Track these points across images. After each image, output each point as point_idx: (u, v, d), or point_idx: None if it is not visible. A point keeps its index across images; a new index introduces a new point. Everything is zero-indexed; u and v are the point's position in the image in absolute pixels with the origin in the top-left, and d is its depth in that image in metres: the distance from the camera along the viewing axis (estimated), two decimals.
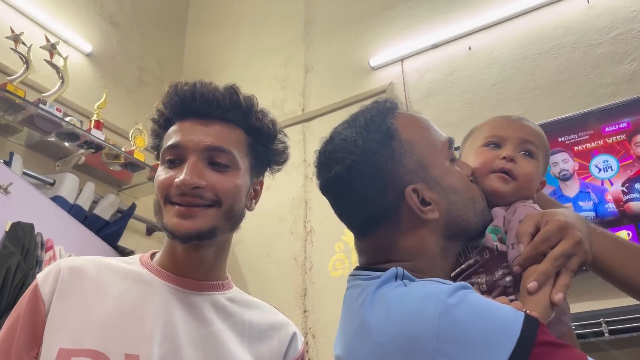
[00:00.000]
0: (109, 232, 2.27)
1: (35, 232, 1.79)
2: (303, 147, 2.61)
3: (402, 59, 2.49)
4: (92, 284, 0.84)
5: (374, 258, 0.79)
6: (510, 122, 0.91)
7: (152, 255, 0.94)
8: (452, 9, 2.42)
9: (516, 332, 0.58)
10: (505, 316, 0.60)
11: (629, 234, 1.64)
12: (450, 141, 0.81)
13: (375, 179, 0.75)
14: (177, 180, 0.84)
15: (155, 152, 0.96)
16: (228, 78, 3.06)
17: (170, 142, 0.88)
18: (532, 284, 0.68)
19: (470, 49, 2.33)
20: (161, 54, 3.08)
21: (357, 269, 0.80)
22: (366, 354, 0.66)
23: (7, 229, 1.71)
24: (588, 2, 2.13)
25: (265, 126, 0.94)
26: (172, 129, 0.91)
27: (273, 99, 2.83)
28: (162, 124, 0.93)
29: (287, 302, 2.37)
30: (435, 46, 2.42)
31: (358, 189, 0.76)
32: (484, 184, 0.85)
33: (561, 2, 2.19)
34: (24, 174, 2.04)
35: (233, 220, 0.89)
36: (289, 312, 2.34)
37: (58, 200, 2.08)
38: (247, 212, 0.97)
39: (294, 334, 0.96)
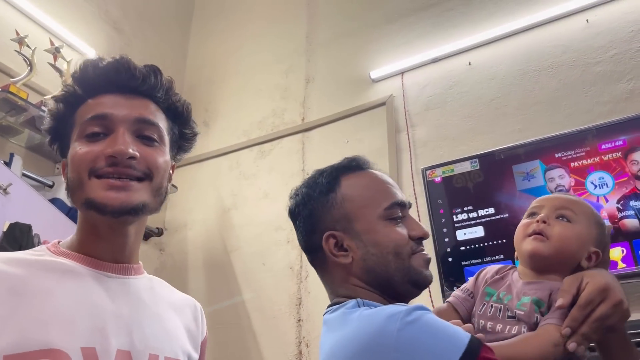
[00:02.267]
0: None
1: (33, 234, 1.80)
2: (302, 156, 2.63)
3: (402, 72, 2.51)
4: (9, 283, 0.73)
5: (328, 290, 0.93)
6: (551, 195, 1.03)
7: (58, 243, 0.87)
8: (453, 25, 2.45)
9: (462, 347, 0.69)
10: (455, 333, 0.72)
11: (623, 251, 1.65)
12: (394, 204, 0.90)
13: (308, 220, 0.93)
14: (110, 149, 0.80)
15: (49, 138, 0.90)
16: (230, 86, 3.09)
17: (93, 114, 0.83)
18: (571, 345, 0.82)
19: (470, 64, 2.36)
20: (164, 61, 3.10)
21: (328, 306, 0.91)
22: None
23: (5, 229, 1.71)
24: (587, 21, 2.15)
25: (183, 108, 0.94)
26: (88, 105, 0.85)
27: (273, 108, 2.85)
28: (70, 102, 0.87)
29: (282, 310, 2.37)
30: (435, 60, 2.44)
31: (300, 225, 0.95)
32: (521, 249, 0.97)
33: (560, 21, 2.21)
34: (24, 175, 2.05)
35: (159, 198, 0.86)
36: (284, 320, 2.35)
37: (56, 202, 2.09)
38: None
39: (202, 310, 1.00)
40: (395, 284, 0.87)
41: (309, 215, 0.92)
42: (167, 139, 0.90)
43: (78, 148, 0.82)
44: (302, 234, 0.94)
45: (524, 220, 1.00)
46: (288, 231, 2.48)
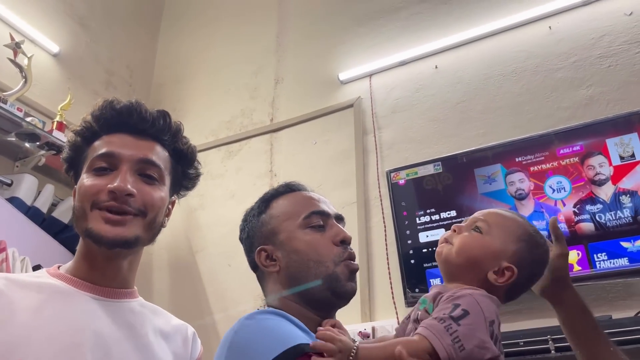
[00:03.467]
0: (67, 235, 2.22)
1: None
2: (270, 157, 2.62)
3: (370, 75, 2.52)
4: (2, 301, 0.82)
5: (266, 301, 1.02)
6: (487, 210, 1.01)
7: (58, 268, 0.95)
8: (420, 29, 2.47)
9: (281, 349, 0.75)
10: (283, 337, 0.78)
11: (578, 254, 1.68)
12: (312, 213, 0.99)
13: (247, 241, 1.05)
14: (111, 185, 0.87)
15: (66, 165, 1.00)
16: (198, 85, 3.06)
17: (102, 151, 0.92)
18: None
19: (436, 67, 2.38)
20: (132, 59, 3.06)
21: None
22: None
23: None
24: (550, 28, 2.20)
25: (188, 150, 1.03)
26: (102, 141, 0.94)
27: (242, 108, 2.84)
28: (86, 137, 0.96)
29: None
30: (403, 63, 2.46)
31: (243, 246, 1.07)
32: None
33: (524, 27, 2.25)
34: None
35: (153, 232, 0.95)
36: None
37: (15, 201, 2.04)
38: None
39: (194, 334, 1.06)
40: (315, 291, 0.92)
41: (247, 237, 1.04)
42: (168, 178, 0.98)
43: (85, 180, 0.91)
44: (245, 254, 1.06)
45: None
46: None
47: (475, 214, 0.98)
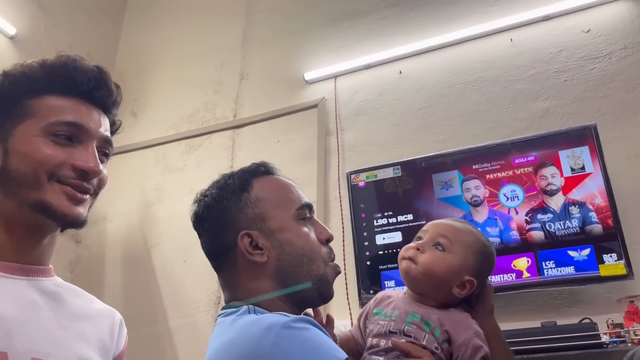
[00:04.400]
0: None
1: None
2: (231, 153, 2.60)
3: (335, 76, 2.53)
4: None
5: (228, 295, 0.90)
6: (438, 221, 1.09)
7: None
8: (387, 33, 2.49)
9: None
10: (331, 352, 0.72)
11: (528, 261, 1.73)
12: (304, 205, 0.92)
13: (220, 219, 0.90)
14: (83, 164, 0.81)
15: None
16: (161, 77, 3.01)
17: (70, 119, 0.83)
18: None
19: (400, 72, 2.41)
20: (93, 45, 2.97)
21: (222, 308, 0.88)
22: None
23: None
24: (511, 40, 2.25)
25: (117, 129, 0.95)
26: (60, 102, 0.84)
27: (205, 102, 2.80)
28: (26, 85, 0.84)
29: (200, 309, 2.33)
30: (368, 67, 2.48)
31: (207, 227, 0.91)
32: (400, 267, 1.04)
33: (487, 38, 2.30)
34: None
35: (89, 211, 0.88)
36: (201, 319, 2.31)
37: None
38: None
39: (121, 321, 0.97)
40: (305, 290, 0.86)
41: (220, 217, 0.90)
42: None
43: (42, 145, 0.80)
44: (210, 237, 0.91)
45: (409, 244, 1.07)
46: None
47: (434, 229, 1.05)
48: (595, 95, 2.03)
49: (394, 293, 1.08)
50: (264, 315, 0.78)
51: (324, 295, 0.89)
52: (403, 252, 1.05)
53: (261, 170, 0.96)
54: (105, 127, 0.88)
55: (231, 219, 0.89)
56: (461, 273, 0.99)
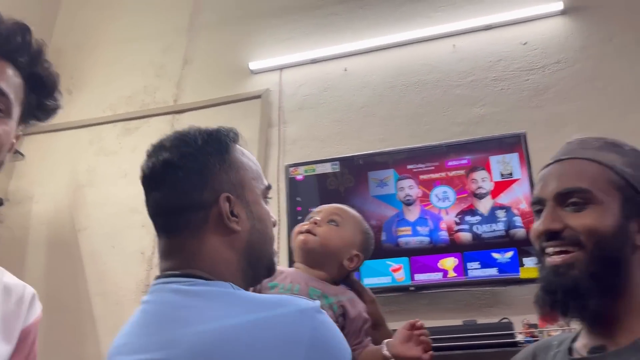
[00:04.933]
0: None
1: None
2: None
3: (281, 68, 2.51)
4: None
5: (176, 263, 0.78)
6: (329, 204, 1.25)
7: None
8: (335, 30, 2.50)
9: (349, 356, 0.71)
10: (345, 342, 0.73)
11: (455, 261, 1.78)
12: (268, 187, 0.88)
13: (200, 173, 0.80)
14: None
15: None
16: (101, 56, 2.89)
17: None
18: None
19: (345, 70, 2.42)
20: (28, 18, 2.81)
21: (167, 275, 0.78)
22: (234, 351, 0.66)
23: None
24: (454, 46, 2.31)
25: (49, 77, 0.85)
26: None
27: (145, 85, 2.72)
28: None
29: (127, 297, 2.26)
30: (314, 61, 2.48)
31: (181, 177, 0.79)
32: (294, 244, 1.18)
33: (432, 42, 2.35)
34: None
35: None
36: (128, 306, 2.24)
37: None
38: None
39: (34, 295, 0.91)
40: (261, 267, 0.84)
41: (202, 170, 0.80)
42: (16, 110, 0.81)
43: None
44: (179, 190, 0.80)
45: (302, 223, 1.20)
46: (144, 215, 2.36)
47: (327, 209, 1.21)
48: (528, 105, 2.11)
49: (285, 268, 1.18)
50: (277, 296, 0.75)
51: (271, 273, 0.87)
52: (298, 228, 1.19)
53: (235, 137, 0.89)
54: (5, 79, 0.79)
55: (214, 176, 0.80)
56: (351, 247, 1.16)
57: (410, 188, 1.90)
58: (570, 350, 0.80)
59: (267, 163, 2.33)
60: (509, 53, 2.23)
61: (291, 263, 1.93)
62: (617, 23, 2.13)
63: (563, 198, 0.78)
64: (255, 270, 0.82)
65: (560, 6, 2.18)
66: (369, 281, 1.82)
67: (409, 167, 1.92)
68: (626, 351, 0.71)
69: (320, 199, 1.97)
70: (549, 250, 0.77)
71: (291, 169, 2.07)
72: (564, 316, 0.75)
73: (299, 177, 2.04)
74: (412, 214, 1.86)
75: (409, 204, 1.88)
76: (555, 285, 0.75)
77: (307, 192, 2.01)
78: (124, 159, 2.55)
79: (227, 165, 0.82)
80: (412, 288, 1.78)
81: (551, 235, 0.76)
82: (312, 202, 1.98)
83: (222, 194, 0.79)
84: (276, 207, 2.19)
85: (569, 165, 0.82)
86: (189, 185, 0.79)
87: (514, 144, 1.85)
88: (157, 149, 0.83)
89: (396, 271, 1.82)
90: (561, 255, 0.75)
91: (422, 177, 1.90)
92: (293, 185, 2.03)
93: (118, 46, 2.87)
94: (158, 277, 0.79)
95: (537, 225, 0.79)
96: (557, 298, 0.74)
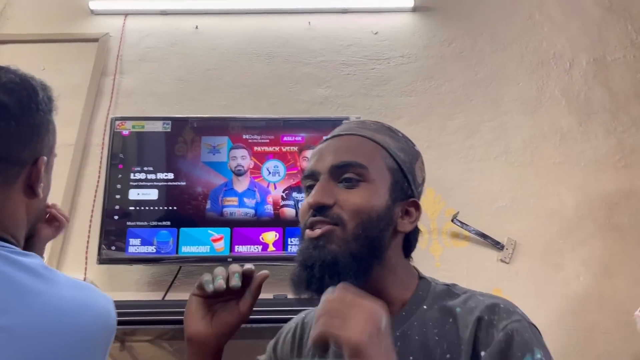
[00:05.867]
0: None
1: None
2: None
3: (126, 14, 2.30)
4: None
5: None
6: None
7: None
8: None
9: None
10: None
11: (276, 235, 1.77)
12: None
13: (31, 130, 0.75)
14: None
15: None
16: None
17: None
18: None
19: (197, 28, 2.29)
20: None
21: None
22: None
23: None
24: (309, 23, 2.30)
25: None
26: None
27: None
28: None
29: None
30: (164, 13, 2.31)
31: (13, 127, 0.72)
32: None
33: (288, 15, 2.31)
34: None
35: None
36: None
37: None
38: None
39: None
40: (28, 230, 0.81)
41: (33, 127, 0.75)
42: None
43: None
44: (4, 139, 0.72)
45: None
46: None
47: None
48: (370, 93, 2.17)
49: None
50: (85, 284, 0.77)
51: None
52: None
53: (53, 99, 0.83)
54: None
55: (39, 134, 0.76)
56: None
57: (242, 158, 1.84)
58: None
59: (95, 114, 2.12)
60: (360, 40, 2.27)
61: (103, 227, 1.79)
62: (458, 28, 2.27)
63: (338, 172, 0.76)
64: (23, 241, 0.79)
65: (411, 3, 2.26)
66: (186, 249, 1.75)
67: (244, 136, 1.86)
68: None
69: (145, 159, 1.84)
70: (312, 224, 0.75)
71: (118, 122, 1.89)
72: (318, 294, 0.67)
73: (125, 132, 1.88)
74: (241, 185, 1.82)
75: (239, 174, 1.83)
76: (314, 258, 0.71)
77: (131, 149, 1.86)
78: None
79: (52, 128, 0.80)
80: (230, 259, 1.73)
81: (319, 209, 0.74)
82: (136, 161, 1.84)
83: (41, 157, 0.76)
84: (97, 163, 2.01)
85: (347, 140, 0.81)
86: (15, 138, 0.73)
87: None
88: None
89: (216, 241, 1.76)
90: (322, 227, 0.73)
91: (256, 148, 1.86)
92: (117, 140, 1.86)
93: None
94: None
95: (308, 198, 0.77)
96: (314, 273, 0.70)
